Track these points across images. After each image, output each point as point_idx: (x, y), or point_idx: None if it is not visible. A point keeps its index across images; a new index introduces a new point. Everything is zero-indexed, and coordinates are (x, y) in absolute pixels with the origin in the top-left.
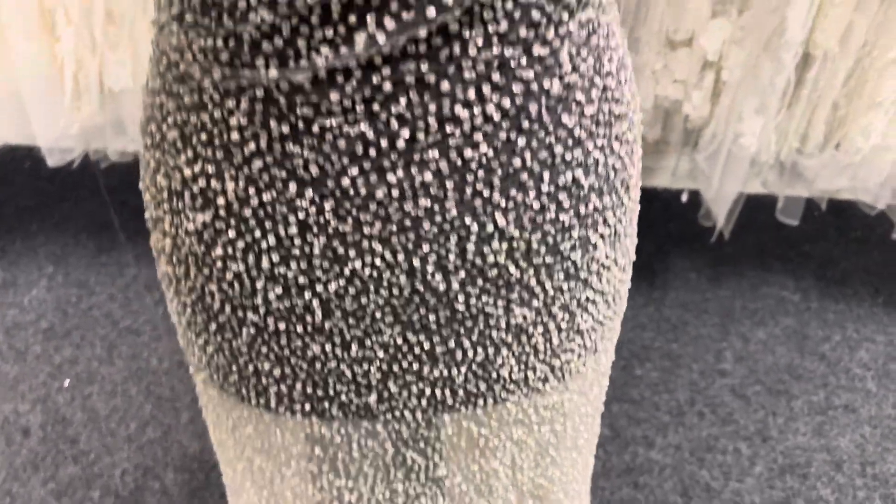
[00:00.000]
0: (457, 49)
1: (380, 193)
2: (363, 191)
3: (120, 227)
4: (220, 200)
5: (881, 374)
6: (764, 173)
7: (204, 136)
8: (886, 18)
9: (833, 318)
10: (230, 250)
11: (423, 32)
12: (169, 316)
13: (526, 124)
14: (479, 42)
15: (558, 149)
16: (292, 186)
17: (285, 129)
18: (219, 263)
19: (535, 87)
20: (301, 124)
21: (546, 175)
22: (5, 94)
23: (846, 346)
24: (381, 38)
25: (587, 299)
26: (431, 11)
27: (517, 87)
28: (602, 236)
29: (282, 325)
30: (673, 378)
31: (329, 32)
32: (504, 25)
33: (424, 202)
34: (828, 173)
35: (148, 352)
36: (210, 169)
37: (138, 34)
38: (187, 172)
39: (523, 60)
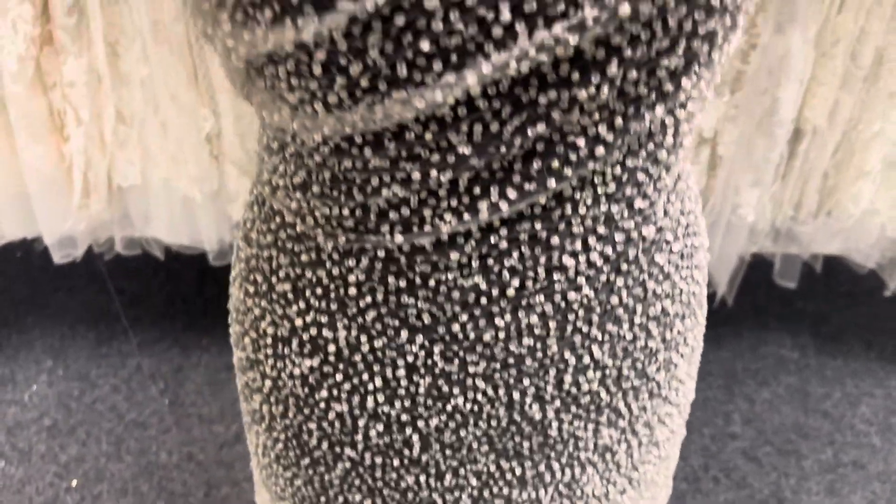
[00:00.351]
0: (568, 209)
1: (487, 336)
2: (472, 335)
3: (122, 316)
4: (331, 348)
5: (884, 428)
6: (761, 240)
7: (319, 291)
8: (869, 96)
9: (831, 374)
10: (335, 392)
11: (542, 199)
12: (175, 406)
13: (624, 266)
14: (589, 202)
15: (651, 284)
16: (404, 333)
17: (402, 283)
18: (322, 404)
19: (634, 234)
20: (418, 279)
21: (639, 308)
22: (12, 194)
23: (847, 402)
24: (503, 207)
25: (666, 413)
26: (552, 182)
27: (619, 237)
28: (682, 355)
29: (378, 459)
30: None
31: (454, 202)
32: (612, 187)
33: (528, 341)
34: (822, 237)
35: (157, 446)
36: (322, 319)
37: (148, 133)
38: (298, 322)
39: (626, 213)
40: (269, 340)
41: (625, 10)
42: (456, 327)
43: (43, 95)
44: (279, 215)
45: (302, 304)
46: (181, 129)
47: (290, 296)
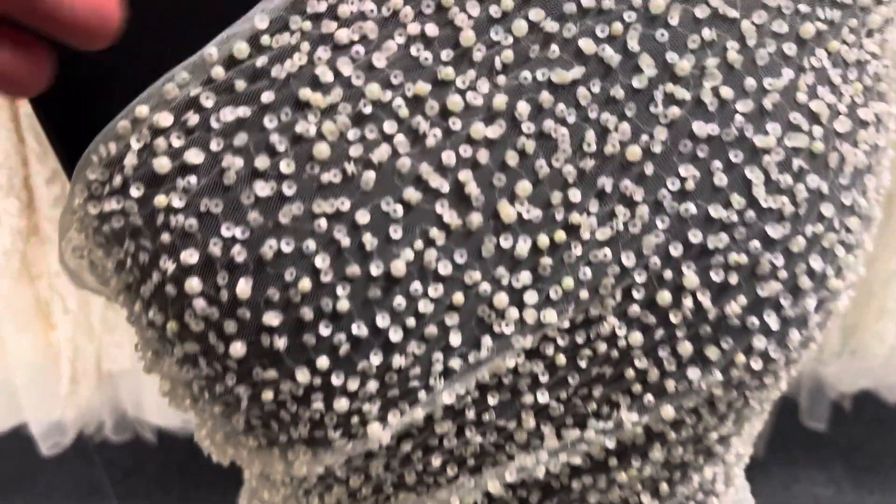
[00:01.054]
0: None
1: None
2: None
3: (112, 493)
4: None
5: None
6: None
7: None
8: (883, 236)
9: None
10: None
11: None
12: None
13: None
14: None
15: None
16: None
17: None
18: None
19: None
20: None
21: None
22: None
23: None
24: None
25: None
26: None
27: None
28: None
29: None
30: None
31: None
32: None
33: None
34: (847, 377)
35: None
36: None
37: None
38: None
39: None
40: None
41: (668, 413)
42: None
43: (29, 286)
44: None
45: None
46: None
47: None
